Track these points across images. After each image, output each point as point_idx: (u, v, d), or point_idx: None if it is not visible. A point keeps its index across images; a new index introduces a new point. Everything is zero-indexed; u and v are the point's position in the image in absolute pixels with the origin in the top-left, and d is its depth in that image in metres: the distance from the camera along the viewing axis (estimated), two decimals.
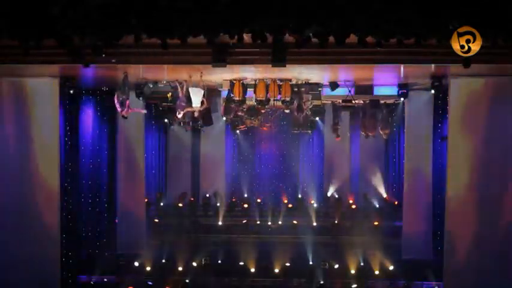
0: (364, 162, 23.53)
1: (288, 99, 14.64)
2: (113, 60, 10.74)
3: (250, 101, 15.52)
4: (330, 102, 18.17)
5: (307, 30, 8.46)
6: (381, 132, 18.54)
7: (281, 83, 14.62)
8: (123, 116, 14.02)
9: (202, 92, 13.93)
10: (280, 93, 14.75)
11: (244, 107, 15.84)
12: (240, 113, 16.04)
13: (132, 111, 14.38)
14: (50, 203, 14.55)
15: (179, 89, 14.12)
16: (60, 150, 14.76)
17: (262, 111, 17.03)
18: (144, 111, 15.54)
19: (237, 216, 21.80)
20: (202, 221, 21.22)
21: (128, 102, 13.59)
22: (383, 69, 13.53)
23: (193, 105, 13.95)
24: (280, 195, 24.44)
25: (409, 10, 8.06)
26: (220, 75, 14.12)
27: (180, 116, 14.33)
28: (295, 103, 15.07)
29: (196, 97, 13.86)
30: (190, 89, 13.82)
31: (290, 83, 14.59)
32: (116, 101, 13.57)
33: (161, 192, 23.71)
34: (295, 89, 14.83)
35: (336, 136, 19.97)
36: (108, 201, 17.48)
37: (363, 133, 19.34)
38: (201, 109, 14.37)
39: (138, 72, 13.62)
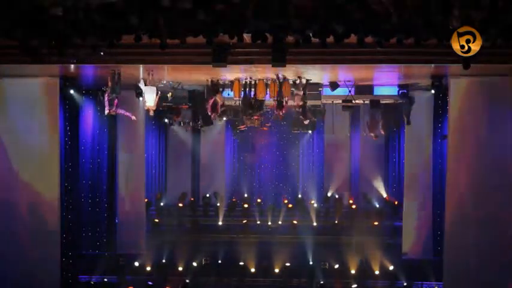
0: (364, 162, 23.54)
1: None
2: (74, 61, 10.73)
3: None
4: (330, 102, 18.16)
5: (307, 30, 8.46)
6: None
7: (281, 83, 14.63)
8: (109, 113, 13.98)
9: (156, 90, 13.82)
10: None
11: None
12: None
13: (121, 114, 14.40)
14: (50, 203, 14.57)
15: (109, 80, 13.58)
16: (60, 150, 14.77)
17: (256, 117, 16.91)
18: (134, 118, 15.47)
19: (237, 216, 21.79)
20: (202, 221, 21.22)
21: (116, 101, 13.59)
22: (383, 69, 13.53)
23: (147, 104, 13.86)
24: (280, 195, 24.46)
25: (409, 10, 8.06)
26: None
27: (107, 111, 13.96)
28: (275, 100, 14.74)
29: (150, 96, 13.76)
30: (144, 88, 13.74)
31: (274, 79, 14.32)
32: (106, 99, 13.59)
33: (161, 192, 23.71)
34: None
35: (374, 136, 19.95)
36: (108, 201, 17.47)
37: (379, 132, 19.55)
38: (154, 108, 14.17)
39: (163, 74, 13.68)
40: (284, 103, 14.52)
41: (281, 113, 14.68)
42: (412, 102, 16.11)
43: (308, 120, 17.15)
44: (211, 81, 14.59)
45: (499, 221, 13.75)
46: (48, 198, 14.56)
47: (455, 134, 13.97)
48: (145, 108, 14.10)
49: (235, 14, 8.21)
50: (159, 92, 13.96)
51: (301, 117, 16.54)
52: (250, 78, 14.26)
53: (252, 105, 15.07)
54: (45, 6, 8.05)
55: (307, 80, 14.86)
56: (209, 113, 15.27)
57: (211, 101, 14.83)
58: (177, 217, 21.50)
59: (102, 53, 9.59)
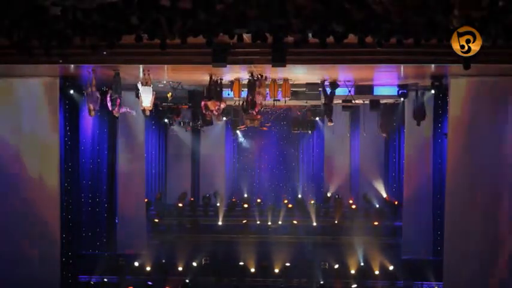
0: (364, 162, 23.52)
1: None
2: (60, 61, 10.71)
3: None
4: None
5: (307, 30, 8.47)
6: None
7: (281, 83, 14.62)
8: (90, 113, 14.01)
9: (152, 90, 13.76)
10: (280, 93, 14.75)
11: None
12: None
13: (123, 112, 14.37)
14: (50, 203, 14.57)
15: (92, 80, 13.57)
16: (60, 150, 14.76)
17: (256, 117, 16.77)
18: (133, 113, 15.36)
19: (237, 216, 21.78)
20: (202, 221, 21.23)
21: (118, 101, 13.58)
22: (383, 69, 13.54)
23: (143, 104, 13.81)
24: (280, 195, 24.45)
25: (409, 10, 8.06)
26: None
27: (92, 112, 13.94)
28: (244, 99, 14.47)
29: (146, 96, 13.71)
30: (140, 88, 13.71)
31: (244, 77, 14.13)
32: (108, 100, 13.60)
33: (161, 192, 23.71)
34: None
35: (387, 136, 19.98)
36: (108, 201, 17.48)
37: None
38: (150, 108, 14.06)
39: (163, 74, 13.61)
40: (259, 102, 14.26)
41: (254, 112, 14.51)
42: (422, 101, 15.99)
43: (333, 123, 17.07)
44: (210, 83, 14.36)
45: (499, 221, 13.75)
46: (48, 198, 14.55)
47: (455, 134, 13.97)
48: (141, 108, 14.06)
49: (235, 14, 8.21)
50: (154, 92, 13.93)
51: (326, 118, 16.47)
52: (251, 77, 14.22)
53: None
54: (45, 6, 8.05)
55: (308, 80, 14.86)
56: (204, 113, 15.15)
57: (202, 104, 14.67)
58: (177, 217, 21.50)
59: (104, 53, 9.60)
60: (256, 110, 14.37)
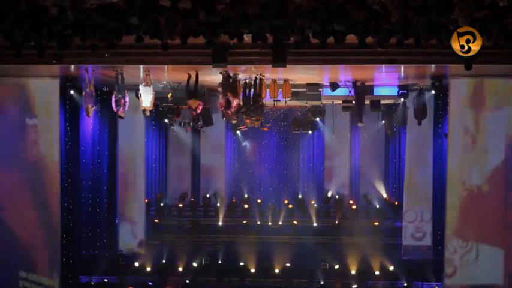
0: (364, 162, 23.53)
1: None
2: (54, 61, 10.72)
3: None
4: (330, 102, 18.17)
5: (307, 30, 8.47)
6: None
7: (281, 83, 14.62)
8: (119, 116, 14.02)
9: (152, 90, 13.70)
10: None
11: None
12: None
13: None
14: (50, 203, 14.57)
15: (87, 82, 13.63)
16: (60, 150, 14.76)
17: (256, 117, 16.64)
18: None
19: (237, 216, 21.78)
20: (202, 221, 21.22)
21: (122, 101, 13.57)
22: (383, 69, 13.54)
23: (144, 104, 13.78)
24: (281, 196, 24.44)
25: (409, 10, 8.06)
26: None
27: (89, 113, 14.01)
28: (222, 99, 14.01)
29: (147, 96, 13.69)
30: (141, 88, 13.68)
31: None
32: (112, 100, 13.60)
33: (161, 192, 23.70)
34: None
35: (391, 135, 20.05)
36: (108, 201, 17.46)
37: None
38: (151, 109, 14.00)
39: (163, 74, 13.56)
40: (234, 103, 14.10)
41: (229, 112, 14.35)
42: (423, 100, 15.94)
43: (362, 124, 17.06)
44: (196, 82, 13.93)
45: (500, 221, 13.76)
46: (48, 198, 14.56)
47: (455, 134, 13.98)
48: (142, 108, 14.04)
49: (235, 14, 8.21)
50: (154, 92, 13.91)
51: (356, 118, 16.47)
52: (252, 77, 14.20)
53: (251, 105, 14.93)
54: (45, 6, 8.05)
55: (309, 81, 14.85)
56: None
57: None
58: (177, 217, 21.49)
59: (106, 55, 9.59)
60: (232, 110, 14.16)
